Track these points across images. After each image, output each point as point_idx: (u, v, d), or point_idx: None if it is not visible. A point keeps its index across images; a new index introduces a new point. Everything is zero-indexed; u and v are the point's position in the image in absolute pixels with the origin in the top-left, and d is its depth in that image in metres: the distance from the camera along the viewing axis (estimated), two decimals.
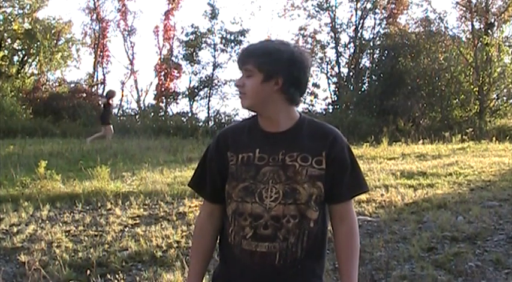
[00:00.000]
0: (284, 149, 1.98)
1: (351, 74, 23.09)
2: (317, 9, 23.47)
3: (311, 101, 23.47)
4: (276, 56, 1.94)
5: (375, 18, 23.46)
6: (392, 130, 16.36)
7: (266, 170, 1.96)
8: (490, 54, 19.23)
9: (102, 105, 14.82)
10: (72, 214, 6.88)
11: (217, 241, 2.12)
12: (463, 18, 21.77)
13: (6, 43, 25.50)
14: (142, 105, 26.56)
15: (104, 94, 15.75)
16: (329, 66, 23.78)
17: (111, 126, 14.83)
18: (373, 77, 22.47)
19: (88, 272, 4.68)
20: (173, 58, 26.02)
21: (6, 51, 25.09)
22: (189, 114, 24.66)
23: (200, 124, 22.93)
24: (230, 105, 37.43)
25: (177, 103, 26.33)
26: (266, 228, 1.93)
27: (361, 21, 23.29)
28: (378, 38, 23.35)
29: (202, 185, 2.11)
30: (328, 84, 23.80)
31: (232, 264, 2.02)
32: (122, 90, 27.51)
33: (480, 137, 15.28)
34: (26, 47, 25.83)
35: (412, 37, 21.25)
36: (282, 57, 1.94)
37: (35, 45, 25.17)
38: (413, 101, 19.87)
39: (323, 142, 1.99)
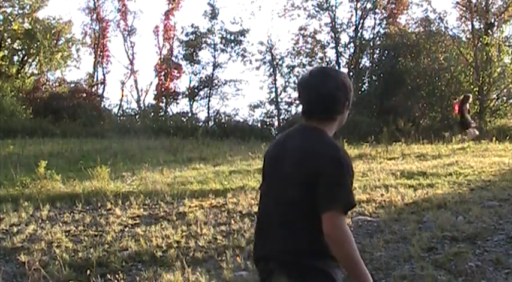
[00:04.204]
0: None
1: (351, 74, 23.10)
2: (317, 9, 23.52)
3: None
4: None
5: (374, 18, 23.53)
6: (392, 130, 16.32)
7: None
8: (490, 54, 19.22)
9: (460, 112, 13.92)
10: (72, 214, 6.88)
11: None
12: (463, 18, 21.77)
13: (6, 43, 25.49)
14: (142, 105, 26.60)
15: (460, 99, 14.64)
16: (329, 66, 23.80)
17: (472, 130, 14.34)
18: (373, 77, 22.49)
19: (88, 272, 4.68)
20: (173, 58, 26.05)
21: (6, 51, 25.09)
22: (189, 114, 24.68)
23: (200, 124, 22.95)
24: (230, 105, 37.27)
25: (177, 103, 26.39)
26: None
27: (361, 21, 23.34)
28: (378, 38, 23.39)
29: None
30: None
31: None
32: (122, 90, 27.58)
33: (480, 137, 15.25)
34: (26, 47, 25.82)
35: (412, 37, 21.25)
36: None
37: (35, 45, 25.15)
38: (413, 101, 19.87)
39: None
